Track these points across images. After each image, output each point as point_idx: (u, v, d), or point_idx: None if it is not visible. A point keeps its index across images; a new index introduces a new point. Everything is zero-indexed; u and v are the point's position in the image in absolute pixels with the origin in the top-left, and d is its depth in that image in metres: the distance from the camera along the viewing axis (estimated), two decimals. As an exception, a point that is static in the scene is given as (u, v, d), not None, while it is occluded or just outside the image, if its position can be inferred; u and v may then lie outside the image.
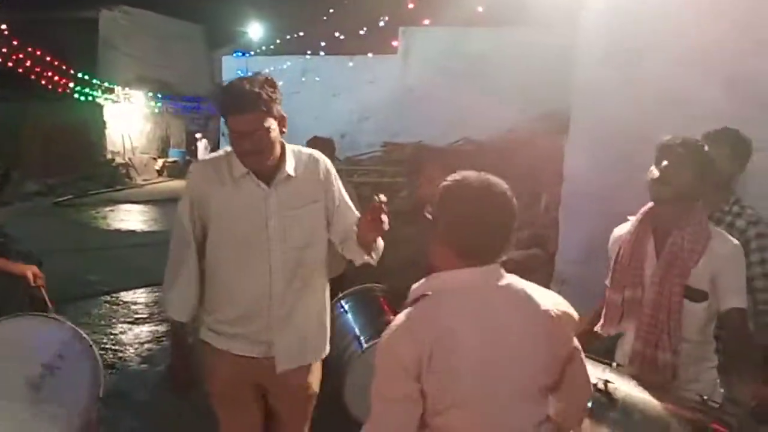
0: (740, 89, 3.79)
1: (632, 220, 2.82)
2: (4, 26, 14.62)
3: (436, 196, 1.91)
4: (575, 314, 1.87)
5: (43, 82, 18.71)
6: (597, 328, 2.89)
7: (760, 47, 3.66)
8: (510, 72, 10.63)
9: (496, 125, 10.90)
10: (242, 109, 2.45)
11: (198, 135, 27.42)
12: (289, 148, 2.70)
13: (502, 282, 1.85)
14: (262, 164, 2.56)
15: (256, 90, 2.45)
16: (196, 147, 27.20)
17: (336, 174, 2.83)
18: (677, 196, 2.62)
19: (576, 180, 4.62)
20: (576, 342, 1.88)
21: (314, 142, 4.90)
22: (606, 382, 2.32)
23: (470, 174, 1.85)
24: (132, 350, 5.97)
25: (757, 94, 3.72)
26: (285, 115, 2.60)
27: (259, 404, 2.80)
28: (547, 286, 4.03)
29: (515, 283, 1.87)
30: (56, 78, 19.34)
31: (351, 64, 13.24)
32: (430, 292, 1.81)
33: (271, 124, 2.51)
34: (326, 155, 2.86)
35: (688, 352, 2.61)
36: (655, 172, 2.65)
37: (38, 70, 18.00)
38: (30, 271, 3.26)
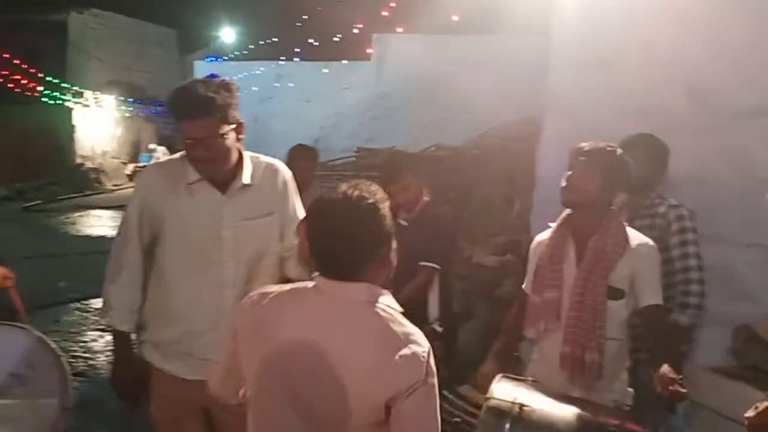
0: (703, 98, 3.86)
1: (553, 225, 2.97)
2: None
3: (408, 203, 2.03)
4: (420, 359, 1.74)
5: (11, 85, 18.43)
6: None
7: (725, 59, 3.73)
8: (484, 79, 10.71)
9: (470, 131, 10.98)
10: (196, 114, 2.36)
11: (152, 146, 27.07)
12: (247, 155, 2.59)
13: (345, 298, 1.80)
14: (217, 171, 2.48)
15: (211, 94, 2.36)
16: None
17: (295, 187, 2.73)
18: (585, 201, 2.77)
19: (548, 185, 4.63)
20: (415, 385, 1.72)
21: (298, 150, 4.84)
22: (521, 406, 2.38)
23: (342, 186, 1.82)
24: (103, 358, 5.90)
25: (719, 105, 3.78)
26: (242, 120, 2.51)
27: (204, 429, 2.67)
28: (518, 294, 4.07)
29: (365, 307, 1.79)
30: (25, 81, 19.05)
31: (325, 70, 13.26)
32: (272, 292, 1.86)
33: (227, 130, 2.42)
34: (310, 163, 2.83)
35: (610, 350, 2.73)
36: (563, 180, 2.81)
37: (6, 73, 17.74)
38: None
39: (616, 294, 2.73)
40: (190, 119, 2.37)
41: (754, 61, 3.63)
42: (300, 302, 1.82)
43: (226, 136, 2.41)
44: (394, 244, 1.86)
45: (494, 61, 10.64)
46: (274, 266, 2.62)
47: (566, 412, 2.39)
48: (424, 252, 3.63)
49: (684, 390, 2.40)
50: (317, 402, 1.72)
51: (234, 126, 2.46)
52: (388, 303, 1.81)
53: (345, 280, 1.79)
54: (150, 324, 2.60)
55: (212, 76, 2.48)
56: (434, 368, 1.75)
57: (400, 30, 10.82)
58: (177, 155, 2.62)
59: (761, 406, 2.02)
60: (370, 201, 1.78)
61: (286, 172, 2.71)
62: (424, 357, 1.72)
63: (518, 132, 9.13)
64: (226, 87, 2.44)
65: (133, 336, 2.63)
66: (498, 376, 2.66)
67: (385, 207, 1.82)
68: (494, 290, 5.72)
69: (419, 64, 12.28)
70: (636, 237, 2.80)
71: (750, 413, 2.03)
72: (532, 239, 5.12)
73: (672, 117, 3.85)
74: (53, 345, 2.63)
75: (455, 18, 7.32)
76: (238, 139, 2.50)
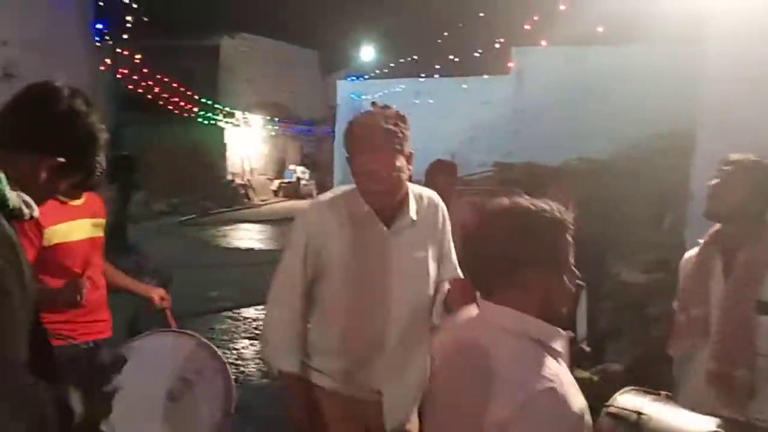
0: None
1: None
2: (139, 55, 15.59)
3: None
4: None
5: (170, 107, 19.81)
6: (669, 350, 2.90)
7: None
8: (629, 90, 10.34)
9: (614, 144, 10.61)
10: (375, 148, 2.32)
11: (292, 166, 28.15)
12: (411, 188, 2.52)
13: (485, 319, 1.70)
14: (388, 204, 2.43)
15: (392, 127, 2.32)
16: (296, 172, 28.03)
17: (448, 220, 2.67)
18: (728, 212, 2.65)
19: (702, 201, 4.44)
20: None
21: (437, 165, 4.78)
22: (639, 413, 2.28)
23: (499, 199, 1.70)
24: (253, 365, 6.18)
25: None
26: (413, 151, 2.43)
27: None
28: (671, 313, 3.89)
29: (498, 336, 1.64)
30: (181, 103, 20.46)
31: (465, 86, 13.27)
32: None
33: (402, 163, 2.36)
34: (450, 178, 2.79)
35: (763, 367, 2.55)
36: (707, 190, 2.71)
37: (165, 95, 19.09)
38: (155, 293, 3.28)
39: (765, 308, 2.57)
40: (369, 153, 2.34)
41: None
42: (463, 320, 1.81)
43: (402, 170, 2.37)
44: (557, 267, 1.65)
45: (639, 71, 10.26)
46: (430, 301, 2.60)
47: (690, 424, 2.27)
48: None
49: None
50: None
51: (406, 158, 2.40)
52: (531, 332, 1.62)
53: (488, 299, 1.69)
54: (314, 355, 2.58)
55: (382, 106, 2.45)
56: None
57: (543, 43, 10.66)
58: (338, 191, 2.60)
59: None
60: (518, 214, 1.65)
61: (443, 207, 2.67)
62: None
63: (665, 145, 8.74)
64: (402, 119, 2.40)
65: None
66: (625, 389, 2.56)
67: (541, 224, 1.63)
68: (643, 309, 5.50)
69: (560, 76, 12.04)
70: None
71: None
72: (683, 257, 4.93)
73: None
74: (219, 352, 2.78)
75: (600, 29, 7.11)
76: (409, 170, 2.44)
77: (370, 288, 2.46)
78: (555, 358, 1.60)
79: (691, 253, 2.92)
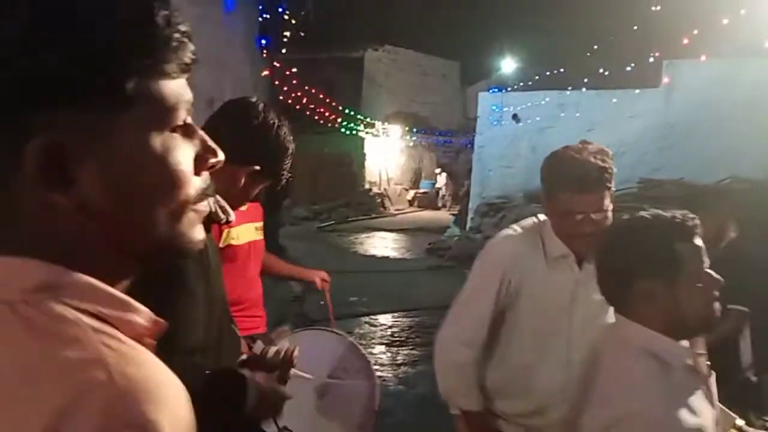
0: None
1: None
2: (292, 68, 16.32)
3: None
4: None
5: (315, 117, 20.53)
6: None
7: None
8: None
9: (773, 164, 9.94)
10: (591, 188, 2.15)
11: (437, 170, 28.33)
12: None
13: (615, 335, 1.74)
14: (589, 247, 2.24)
15: (607, 165, 2.17)
16: (436, 180, 28.25)
17: None
18: None
19: None
20: None
21: None
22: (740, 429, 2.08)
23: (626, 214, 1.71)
24: (390, 371, 6.29)
25: None
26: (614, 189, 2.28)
27: None
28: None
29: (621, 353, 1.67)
30: (326, 113, 21.14)
31: (614, 99, 12.87)
32: None
33: (609, 201, 2.20)
34: None
35: None
36: None
37: (312, 106, 19.81)
38: (318, 276, 3.50)
39: None
40: (584, 193, 2.16)
41: None
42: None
43: (609, 210, 2.21)
44: (678, 274, 1.59)
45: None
46: None
47: None
48: (732, 294, 3.35)
49: None
50: None
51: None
52: (647, 346, 1.59)
53: (618, 313, 1.69)
54: (496, 395, 2.50)
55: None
56: None
57: (702, 58, 10.16)
58: (528, 223, 2.50)
59: None
60: (631, 225, 1.64)
61: None
62: None
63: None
64: (607, 154, 2.25)
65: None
66: None
67: (652, 231, 1.60)
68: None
69: (712, 91, 11.43)
70: None
71: None
72: None
73: None
74: (364, 352, 2.87)
75: (766, 44, 6.69)
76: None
77: (556, 328, 2.37)
78: (672, 374, 1.56)
79: None
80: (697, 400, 1.57)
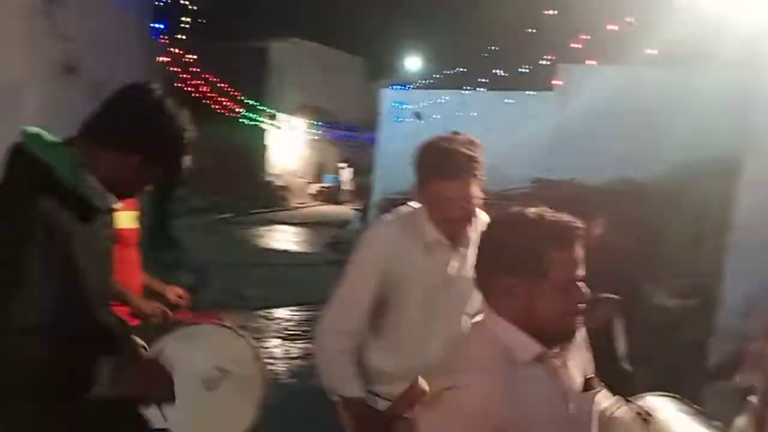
0: None
1: None
2: (191, 56, 15.90)
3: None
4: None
5: (216, 106, 20.11)
6: None
7: None
8: (676, 113, 10.21)
9: (657, 166, 10.48)
10: (455, 174, 2.26)
11: (341, 165, 28.39)
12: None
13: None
14: (463, 231, 2.39)
15: (472, 153, 2.28)
16: (339, 175, 28.30)
17: None
18: None
19: (746, 228, 4.39)
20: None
21: None
22: (647, 414, 2.20)
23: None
24: (283, 365, 6.25)
25: None
26: (483, 178, 2.39)
27: None
28: (706, 338, 3.85)
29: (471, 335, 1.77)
30: (227, 103, 20.75)
31: (510, 100, 13.24)
32: None
33: (478, 189, 2.34)
34: None
35: None
36: None
37: (212, 95, 19.40)
38: (172, 291, 3.31)
39: None
40: (448, 179, 2.27)
41: None
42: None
43: (477, 197, 2.34)
44: (542, 278, 1.59)
45: (687, 94, 10.12)
46: None
47: None
48: (598, 287, 3.51)
49: None
50: None
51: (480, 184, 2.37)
52: (497, 337, 1.63)
53: (484, 299, 1.72)
54: (379, 379, 2.54)
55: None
56: None
57: (592, 62, 10.60)
58: (404, 211, 2.55)
59: None
60: (509, 221, 1.66)
61: None
62: None
63: (709, 169, 8.61)
64: (476, 144, 2.35)
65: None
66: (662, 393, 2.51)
67: (527, 232, 1.60)
68: (674, 335, 5.43)
69: (604, 95, 11.93)
70: None
71: None
72: (722, 283, 4.87)
73: None
74: (254, 345, 2.83)
75: (652, 51, 7.04)
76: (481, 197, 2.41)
77: (437, 309, 2.44)
78: (514, 364, 1.59)
79: None
80: (537, 394, 1.59)
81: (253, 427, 2.68)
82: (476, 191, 2.32)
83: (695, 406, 2.48)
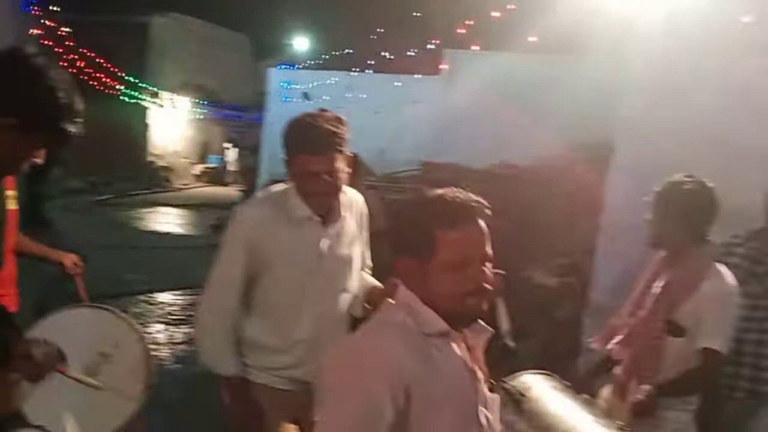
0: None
1: None
2: (66, 29, 15.07)
3: None
4: None
5: (93, 82, 19.18)
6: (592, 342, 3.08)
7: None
8: (554, 99, 10.65)
9: (535, 151, 10.91)
10: (319, 149, 2.34)
11: (227, 145, 27.80)
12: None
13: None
14: (328, 206, 2.47)
15: (334, 129, 2.36)
16: (225, 155, 27.67)
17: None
18: (660, 242, 2.81)
19: (616, 211, 4.65)
20: None
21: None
22: (521, 393, 2.40)
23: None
24: (167, 350, 6.10)
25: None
26: (351, 154, 2.50)
27: None
28: (579, 315, 4.07)
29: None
30: (105, 79, 19.83)
31: (397, 83, 13.38)
32: None
33: (342, 165, 2.42)
34: (352, 172, 2.76)
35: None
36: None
37: (89, 70, 18.48)
38: (69, 258, 3.20)
39: (677, 331, 2.69)
40: (313, 154, 2.35)
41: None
42: None
43: (342, 171, 2.42)
44: (431, 257, 1.61)
45: (565, 81, 10.58)
46: (350, 294, 2.66)
47: (563, 413, 2.41)
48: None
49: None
50: None
51: (346, 160, 2.46)
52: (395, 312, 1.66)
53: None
54: (251, 353, 2.58)
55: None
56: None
57: (476, 48, 10.88)
58: (274, 189, 2.62)
59: None
60: (416, 197, 1.73)
61: (364, 204, 2.75)
62: None
63: (583, 154, 9.05)
64: (342, 121, 2.44)
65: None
66: (536, 371, 2.66)
67: (416, 213, 1.65)
68: (552, 311, 5.71)
69: (488, 81, 12.27)
70: (715, 275, 2.72)
71: None
72: (594, 262, 5.15)
73: (748, 148, 3.81)
74: (137, 326, 2.76)
75: (532, 39, 7.33)
76: (348, 173, 2.50)
77: (306, 284, 2.50)
78: (425, 336, 1.61)
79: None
80: (443, 363, 1.62)
81: (137, 412, 2.63)
82: (341, 167, 2.40)
83: (565, 381, 2.67)
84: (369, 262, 2.82)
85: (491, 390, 1.78)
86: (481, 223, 1.64)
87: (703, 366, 2.64)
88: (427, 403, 1.56)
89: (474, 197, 1.65)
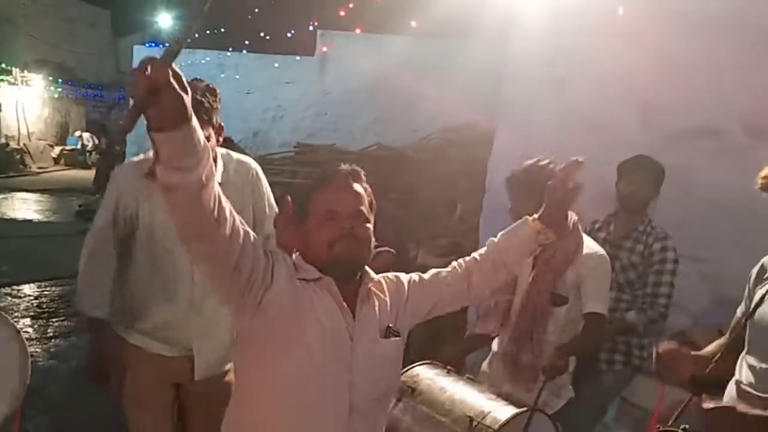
0: (651, 117, 4.10)
1: None
2: None
3: None
4: None
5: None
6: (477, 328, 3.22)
7: (672, 80, 3.97)
8: (428, 82, 10.85)
9: (411, 133, 11.11)
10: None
11: (78, 132, 26.37)
12: (219, 153, 2.68)
13: None
14: None
15: (199, 97, 2.41)
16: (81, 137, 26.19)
17: (266, 183, 2.83)
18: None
19: (497, 192, 4.83)
20: None
21: None
22: (413, 388, 2.68)
23: None
24: (40, 346, 5.76)
25: (666, 125, 4.03)
26: (223, 124, 2.60)
27: (174, 405, 2.77)
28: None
29: None
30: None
31: (275, 64, 13.17)
32: None
33: (210, 133, 2.47)
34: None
35: (548, 353, 2.85)
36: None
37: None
38: None
39: (559, 300, 2.86)
40: None
41: (700, 82, 3.86)
42: None
43: (210, 139, 2.44)
44: (307, 215, 1.87)
45: (445, 65, 10.79)
46: None
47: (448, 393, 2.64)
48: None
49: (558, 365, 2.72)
50: None
51: (215, 129, 2.54)
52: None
53: None
54: (127, 313, 2.66)
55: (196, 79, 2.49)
56: None
57: (357, 31, 10.87)
58: (143, 156, 2.66)
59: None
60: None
61: (257, 168, 2.79)
62: None
63: (462, 137, 9.32)
64: (212, 91, 2.54)
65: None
66: (424, 361, 2.87)
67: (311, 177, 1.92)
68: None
69: (363, 63, 12.33)
70: (588, 246, 2.95)
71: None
72: (477, 242, 5.33)
73: (620, 134, 4.07)
74: (11, 320, 2.59)
75: (413, 23, 7.42)
76: (218, 142, 2.59)
77: (176, 248, 2.49)
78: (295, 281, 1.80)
79: None
80: (316, 301, 1.79)
81: (12, 413, 2.49)
82: (207, 134, 2.38)
83: (448, 366, 2.85)
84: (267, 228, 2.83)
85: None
86: (354, 184, 1.87)
87: (592, 327, 2.87)
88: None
89: (350, 167, 1.90)
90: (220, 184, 2.45)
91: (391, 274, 2.05)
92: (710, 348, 2.43)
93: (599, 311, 2.88)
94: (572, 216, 2.72)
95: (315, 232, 1.82)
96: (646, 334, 3.46)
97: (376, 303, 1.90)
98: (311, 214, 1.84)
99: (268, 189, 2.85)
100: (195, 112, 2.26)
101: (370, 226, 1.89)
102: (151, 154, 2.56)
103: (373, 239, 1.89)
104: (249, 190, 2.73)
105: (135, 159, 2.72)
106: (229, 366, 2.69)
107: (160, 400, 2.70)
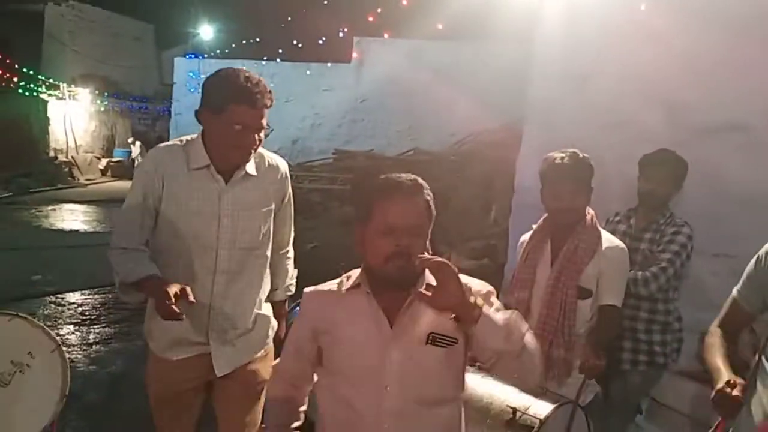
0: (676, 113, 4.03)
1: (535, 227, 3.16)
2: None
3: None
4: None
5: (-14, 76, 18.24)
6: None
7: (697, 77, 3.90)
8: (463, 86, 10.84)
9: (448, 137, 11.11)
10: (259, 102, 2.35)
11: (130, 140, 26.87)
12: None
13: None
14: (246, 160, 2.49)
15: (268, 86, 2.41)
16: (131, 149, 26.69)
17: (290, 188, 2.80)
18: (577, 217, 2.97)
19: (526, 192, 4.81)
20: None
21: None
22: None
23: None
24: (80, 352, 5.90)
25: (691, 121, 3.96)
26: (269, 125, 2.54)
27: (199, 401, 2.71)
28: (496, 296, 4.16)
29: None
30: (0, 73, 18.86)
31: (308, 72, 13.28)
32: None
33: (266, 123, 2.45)
34: None
35: (576, 346, 2.89)
36: (554, 200, 2.98)
37: (-19, 62, 17.55)
38: None
39: (584, 293, 2.89)
40: (252, 106, 2.34)
41: (724, 78, 3.80)
42: None
43: (266, 128, 2.45)
44: (367, 222, 1.88)
45: (474, 68, 10.79)
46: (264, 258, 2.68)
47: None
48: None
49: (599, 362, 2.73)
50: None
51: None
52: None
53: None
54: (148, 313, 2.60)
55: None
56: None
57: (385, 35, 10.93)
58: (179, 140, 2.61)
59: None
60: (369, 173, 1.99)
61: (286, 170, 2.77)
62: None
63: (495, 139, 9.29)
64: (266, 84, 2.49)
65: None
66: None
67: (363, 186, 1.94)
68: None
69: (399, 68, 12.38)
70: (608, 240, 2.97)
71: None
72: (508, 244, 5.30)
73: (645, 131, 4.02)
74: (53, 333, 2.66)
75: (439, 26, 7.43)
76: (260, 142, 2.53)
77: (200, 237, 2.49)
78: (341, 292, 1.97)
79: (525, 236, 3.20)
80: (350, 309, 1.94)
81: (55, 418, 2.55)
82: (266, 123, 2.42)
83: (477, 363, 2.81)
84: (286, 238, 2.84)
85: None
86: (416, 199, 1.88)
87: (608, 319, 2.90)
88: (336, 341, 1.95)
89: (413, 178, 1.92)
90: (250, 176, 2.53)
91: (491, 291, 2.04)
92: None
93: (615, 303, 2.92)
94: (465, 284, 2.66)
95: (374, 241, 1.86)
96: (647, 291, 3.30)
97: (424, 309, 1.84)
98: (373, 220, 1.86)
99: (291, 197, 2.83)
100: (266, 99, 2.35)
101: (427, 242, 1.90)
102: (184, 138, 2.61)
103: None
104: (276, 190, 2.69)
105: (166, 143, 2.65)
106: (256, 355, 2.68)
107: (186, 401, 2.67)
